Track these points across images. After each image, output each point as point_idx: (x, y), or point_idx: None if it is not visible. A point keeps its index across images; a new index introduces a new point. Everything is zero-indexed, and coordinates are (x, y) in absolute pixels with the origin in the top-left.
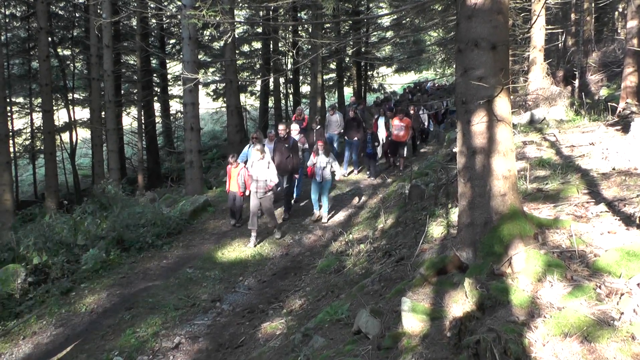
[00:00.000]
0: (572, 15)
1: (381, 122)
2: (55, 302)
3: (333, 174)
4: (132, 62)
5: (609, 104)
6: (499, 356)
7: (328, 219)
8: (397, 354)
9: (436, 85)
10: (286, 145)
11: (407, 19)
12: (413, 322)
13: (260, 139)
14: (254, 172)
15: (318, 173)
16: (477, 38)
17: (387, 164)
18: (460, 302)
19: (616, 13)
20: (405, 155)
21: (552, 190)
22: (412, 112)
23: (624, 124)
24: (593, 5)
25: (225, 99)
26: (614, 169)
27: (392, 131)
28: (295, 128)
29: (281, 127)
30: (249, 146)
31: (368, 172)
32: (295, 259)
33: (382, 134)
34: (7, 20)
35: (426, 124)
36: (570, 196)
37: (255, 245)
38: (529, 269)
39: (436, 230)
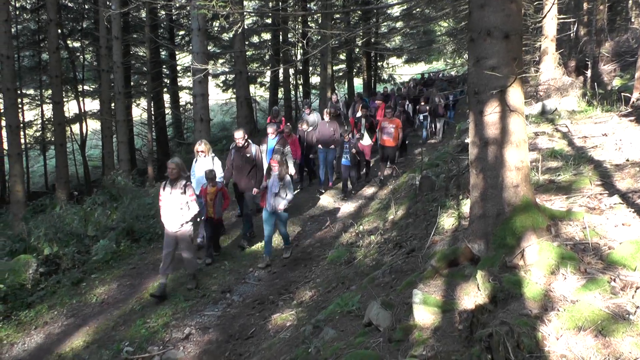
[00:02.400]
0: (585, 5)
1: (363, 120)
2: (66, 292)
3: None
4: (141, 53)
5: (622, 94)
6: (511, 350)
7: (290, 254)
8: (408, 346)
9: (445, 75)
10: (247, 156)
11: (418, 9)
12: (424, 314)
13: (207, 150)
14: (165, 196)
15: (269, 200)
16: (490, 27)
17: (361, 177)
18: (472, 295)
19: (630, 2)
20: (395, 161)
21: (564, 182)
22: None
23: (638, 115)
24: None
25: (234, 90)
26: (627, 160)
27: (380, 135)
28: (271, 131)
29: (238, 134)
30: (196, 160)
31: (343, 192)
32: (306, 250)
33: (366, 141)
34: (17, 13)
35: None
36: (583, 188)
37: (162, 294)
38: (542, 262)
39: (447, 221)
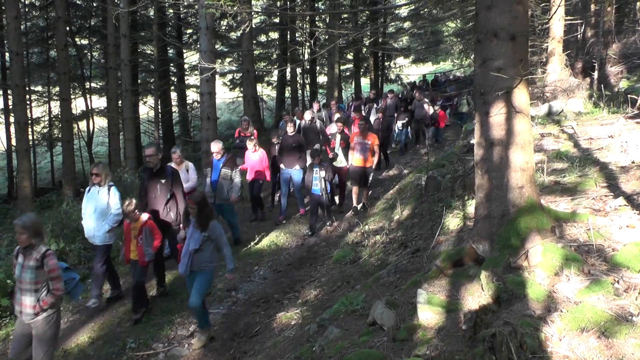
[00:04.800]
0: (592, 6)
1: (337, 137)
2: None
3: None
4: (149, 51)
5: (628, 96)
6: (514, 350)
7: (207, 339)
8: (412, 345)
9: (451, 76)
10: (162, 182)
11: (425, 9)
12: (428, 314)
13: (103, 176)
14: (17, 271)
15: (185, 260)
16: (497, 28)
17: (331, 203)
18: (476, 295)
19: (638, 4)
20: (368, 183)
21: (569, 183)
22: (380, 116)
23: None
24: None
25: (242, 89)
26: (633, 162)
27: (352, 153)
28: (216, 150)
29: (149, 150)
30: (89, 189)
31: (310, 230)
32: (311, 249)
33: (341, 162)
34: (26, 10)
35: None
36: (588, 189)
37: None
38: (546, 263)
39: (452, 222)
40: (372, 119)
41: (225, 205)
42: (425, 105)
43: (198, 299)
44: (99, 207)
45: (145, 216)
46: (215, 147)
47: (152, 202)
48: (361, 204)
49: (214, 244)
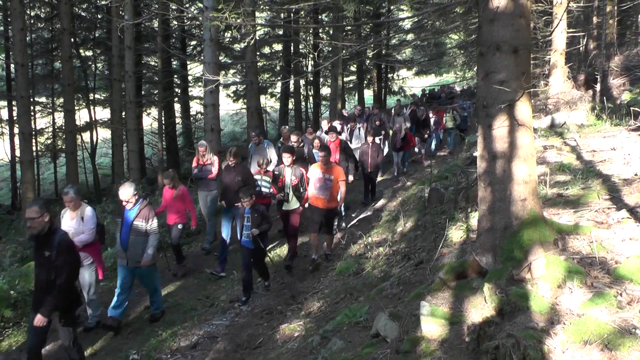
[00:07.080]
0: (594, 19)
1: (288, 172)
2: None
3: None
4: (153, 63)
5: (631, 108)
6: None
7: None
8: (415, 357)
9: (455, 88)
10: (45, 255)
11: (428, 22)
12: (432, 326)
13: None
14: None
15: None
16: (499, 41)
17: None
18: (480, 307)
19: None
20: (336, 227)
21: (572, 196)
22: (369, 139)
23: None
24: (616, 8)
25: (245, 101)
26: (636, 174)
27: (312, 190)
28: (126, 198)
29: (29, 211)
30: None
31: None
32: (314, 261)
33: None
34: (31, 22)
35: (385, 150)
36: (591, 202)
37: None
38: (549, 275)
39: (456, 234)
40: (354, 144)
41: (141, 269)
42: (397, 125)
43: None
44: None
45: None
46: (124, 193)
47: (37, 282)
48: (321, 254)
49: None
